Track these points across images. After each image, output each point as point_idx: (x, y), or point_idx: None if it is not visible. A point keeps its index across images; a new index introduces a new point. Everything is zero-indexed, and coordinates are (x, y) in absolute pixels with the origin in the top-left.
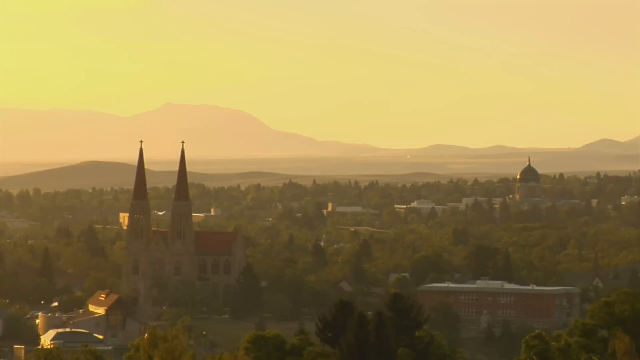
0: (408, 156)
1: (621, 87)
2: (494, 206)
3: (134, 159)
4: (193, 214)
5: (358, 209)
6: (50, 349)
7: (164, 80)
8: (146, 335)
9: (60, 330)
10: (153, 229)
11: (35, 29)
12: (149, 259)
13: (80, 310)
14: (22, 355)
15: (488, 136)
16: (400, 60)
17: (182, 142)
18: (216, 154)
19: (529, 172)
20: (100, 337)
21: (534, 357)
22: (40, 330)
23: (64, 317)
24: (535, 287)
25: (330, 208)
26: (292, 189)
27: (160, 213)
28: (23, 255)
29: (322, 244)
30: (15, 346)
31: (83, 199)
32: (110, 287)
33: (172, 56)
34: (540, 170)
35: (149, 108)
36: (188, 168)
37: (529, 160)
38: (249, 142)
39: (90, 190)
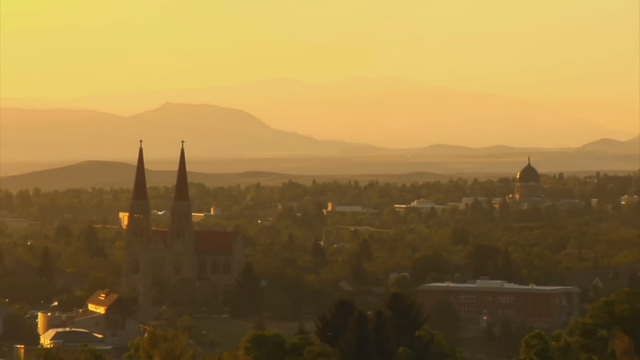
0: (408, 156)
1: (621, 87)
2: (494, 206)
3: (133, 158)
4: (193, 214)
5: (358, 208)
6: (50, 348)
7: (164, 80)
8: (146, 334)
9: (60, 329)
10: (153, 228)
11: (36, 29)
12: (148, 259)
13: (80, 310)
14: (22, 354)
15: (488, 136)
16: (399, 59)
17: (182, 141)
18: (216, 153)
19: (529, 172)
20: (100, 336)
21: (534, 356)
22: (40, 330)
23: (64, 316)
24: (535, 287)
25: (330, 208)
26: (292, 188)
27: (160, 213)
28: (23, 255)
29: (322, 243)
30: (15, 345)
31: (83, 199)
32: (110, 287)
33: (172, 56)
34: (540, 170)
35: (149, 108)
36: (188, 168)
37: (529, 159)
38: (249, 142)
39: (89, 190)
